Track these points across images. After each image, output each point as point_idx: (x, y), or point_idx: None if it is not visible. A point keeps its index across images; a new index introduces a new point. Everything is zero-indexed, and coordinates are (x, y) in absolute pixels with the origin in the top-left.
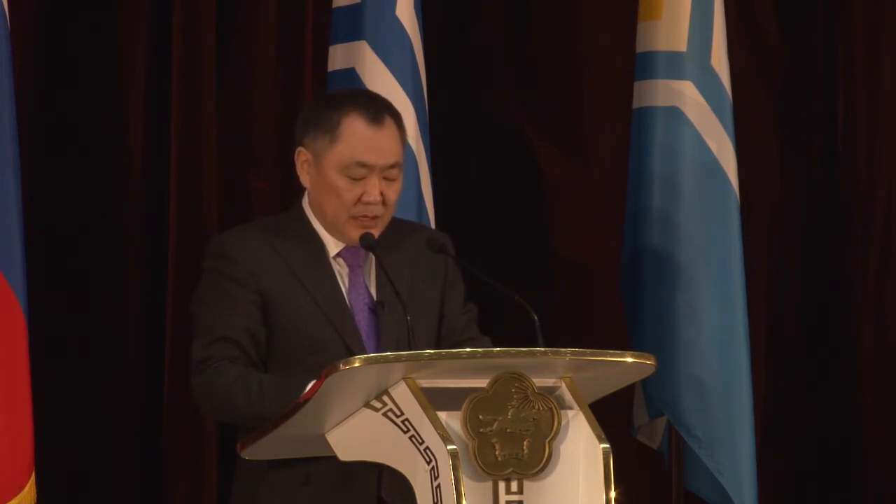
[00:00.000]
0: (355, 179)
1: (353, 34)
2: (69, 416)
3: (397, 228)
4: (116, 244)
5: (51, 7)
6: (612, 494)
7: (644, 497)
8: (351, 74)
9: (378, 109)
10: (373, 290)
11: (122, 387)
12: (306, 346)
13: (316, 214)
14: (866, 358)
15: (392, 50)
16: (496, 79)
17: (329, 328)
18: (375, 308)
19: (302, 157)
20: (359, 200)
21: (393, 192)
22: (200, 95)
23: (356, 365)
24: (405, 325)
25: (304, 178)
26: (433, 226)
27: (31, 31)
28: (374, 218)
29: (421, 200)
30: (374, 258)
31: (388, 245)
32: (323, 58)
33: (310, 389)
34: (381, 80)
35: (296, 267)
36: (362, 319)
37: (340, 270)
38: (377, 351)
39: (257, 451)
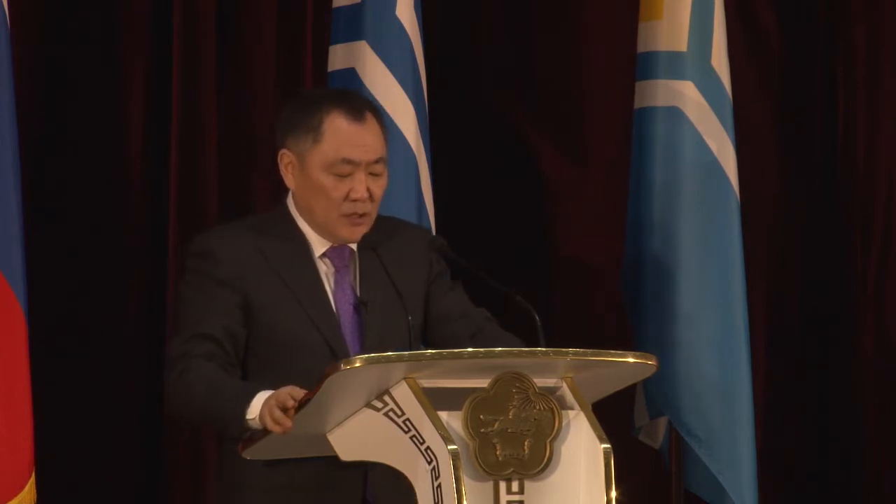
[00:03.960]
0: (341, 177)
1: (353, 34)
2: (69, 416)
3: (382, 226)
4: (116, 244)
5: (51, 7)
6: (613, 494)
7: (644, 497)
8: (351, 74)
9: (358, 106)
10: (357, 290)
11: (122, 387)
12: (290, 347)
13: (303, 215)
14: (866, 358)
15: (392, 50)
16: (496, 79)
17: (313, 329)
18: (359, 308)
19: (285, 159)
20: (346, 198)
21: (379, 188)
22: (200, 95)
23: (357, 365)
24: (406, 325)
25: (289, 180)
26: (433, 226)
27: (31, 31)
28: (364, 215)
29: (421, 200)
30: (358, 258)
31: (377, 244)
32: (323, 58)
33: (310, 390)
34: (381, 80)
35: (280, 268)
36: (347, 320)
37: (326, 271)
38: (361, 351)
39: (258, 451)
